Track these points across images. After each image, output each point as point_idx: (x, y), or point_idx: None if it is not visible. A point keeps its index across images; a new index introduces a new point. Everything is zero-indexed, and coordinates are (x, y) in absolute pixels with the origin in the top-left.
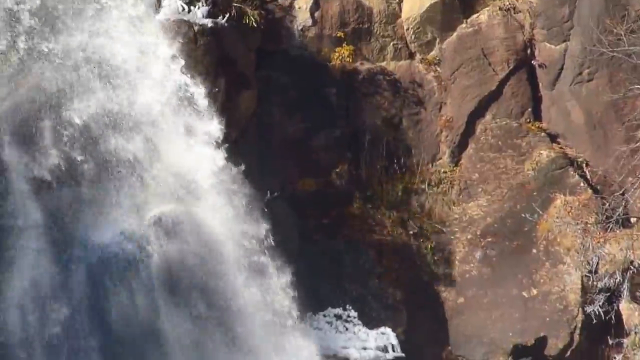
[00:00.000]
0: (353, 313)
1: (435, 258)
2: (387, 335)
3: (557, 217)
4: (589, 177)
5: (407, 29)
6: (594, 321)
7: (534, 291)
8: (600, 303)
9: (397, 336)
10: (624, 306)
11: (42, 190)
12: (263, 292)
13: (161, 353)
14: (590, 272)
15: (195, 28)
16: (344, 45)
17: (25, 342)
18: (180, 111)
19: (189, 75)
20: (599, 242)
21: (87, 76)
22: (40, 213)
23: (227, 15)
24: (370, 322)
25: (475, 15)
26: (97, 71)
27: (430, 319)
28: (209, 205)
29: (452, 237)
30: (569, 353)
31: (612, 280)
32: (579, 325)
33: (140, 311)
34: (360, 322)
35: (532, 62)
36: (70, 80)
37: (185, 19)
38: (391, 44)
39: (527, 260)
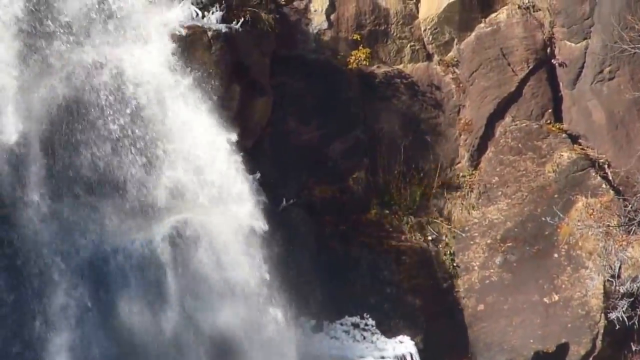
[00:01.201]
0: (371, 321)
1: (455, 264)
2: (406, 344)
3: (578, 220)
4: (610, 178)
5: (425, 30)
6: (617, 327)
7: (556, 297)
8: (624, 308)
9: (416, 345)
10: None
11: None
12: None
13: None
14: (612, 276)
15: (209, 33)
16: (360, 47)
17: None
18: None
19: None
20: (621, 245)
21: None
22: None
23: (241, 20)
24: (389, 331)
25: (493, 15)
26: None
27: (450, 326)
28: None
29: (472, 242)
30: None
31: (635, 285)
32: (601, 331)
33: (155, 321)
34: (378, 331)
35: (552, 61)
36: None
37: (199, 24)
38: (408, 45)
39: (548, 265)
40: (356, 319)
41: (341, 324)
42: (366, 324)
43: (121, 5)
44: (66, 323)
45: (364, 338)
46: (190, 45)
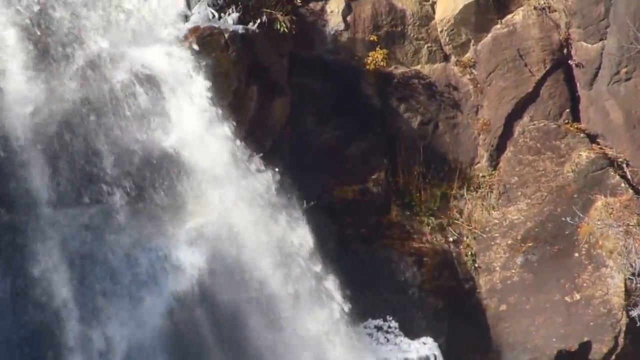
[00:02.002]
0: (394, 324)
1: (476, 265)
2: (429, 345)
3: (598, 220)
4: (629, 177)
5: (441, 31)
6: (638, 324)
7: (577, 296)
8: None
9: (440, 346)
10: None
11: None
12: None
13: None
14: (633, 274)
15: (226, 35)
16: (377, 49)
17: None
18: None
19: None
20: None
21: None
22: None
23: (257, 22)
24: (412, 332)
25: (509, 16)
26: None
27: (473, 327)
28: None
29: (493, 243)
30: (613, 357)
31: None
32: (623, 329)
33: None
34: (401, 333)
35: (569, 61)
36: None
37: (216, 26)
38: (425, 46)
39: (569, 264)
40: (379, 322)
41: (364, 327)
42: (389, 326)
43: (138, 5)
44: None
45: (388, 340)
46: (207, 46)
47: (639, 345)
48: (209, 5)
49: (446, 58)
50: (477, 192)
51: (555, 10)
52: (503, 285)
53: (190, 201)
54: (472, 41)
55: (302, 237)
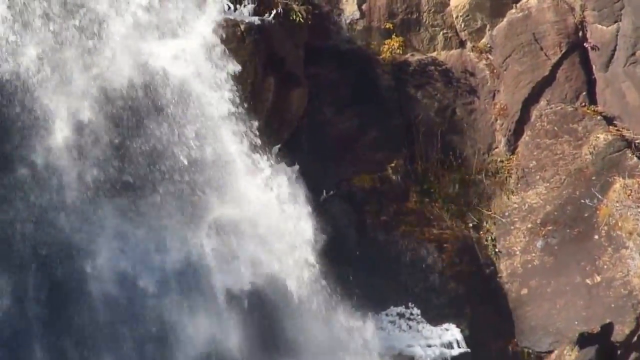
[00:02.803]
0: (416, 310)
1: (497, 249)
2: (452, 331)
3: (617, 201)
4: None
5: (457, 17)
6: None
7: (598, 278)
8: None
9: (462, 331)
10: None
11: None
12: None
13: None
14: None
15: (242, 26)
16: (393, 36)
17: None
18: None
19: None
20: None
21: None
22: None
23: (273, 12)
24: (434, 319)
25: (524, 0)
26: None
27: (494, 312)
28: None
29: (512, 227)
30: (635, 338)
31: None
32: None
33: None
34: (423, 320)
35: (585, 44)
36: None
37: (232, 17)
38: (441, 33)
39: (589, 246)
40: (401, 309)
41: (386, 315)
42: (411, 313)
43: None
44: None
45: (410, 327)
46: (223, 38)
47: None
48: None
49: (462, 44)
50: (495, 177)
51: None
52: (524, 269)
53: None
54: (488, 26)
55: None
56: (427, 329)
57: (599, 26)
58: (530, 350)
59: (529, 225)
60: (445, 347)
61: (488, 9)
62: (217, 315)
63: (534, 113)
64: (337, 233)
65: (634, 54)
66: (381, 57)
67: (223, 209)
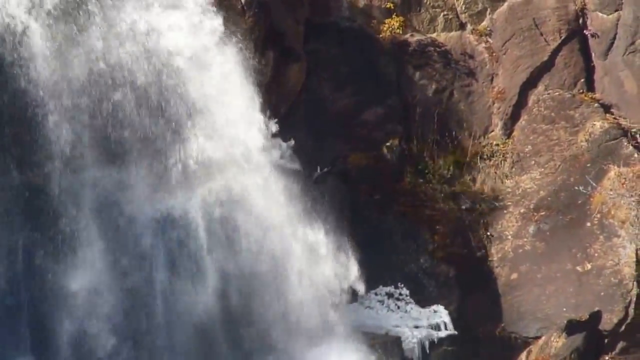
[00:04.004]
0: (405, 291)
1: (488, 233)
2: (440, 313)
3: (611, 189)
4: None
5: None
6: None
7: (588, 265)
8: None
9: (450, 314)
10: None
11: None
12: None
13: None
14: None
15: (242, 1)
16: (393, 16)
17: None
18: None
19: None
20: None
21: None
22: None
23: None
24: (423, 300)
25: None
26: None
27: (483, 295)
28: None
29: (505, 212)
30: (623, 327)
31: None
32: (634, 299)
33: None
34: (412, 300)
35: (584, 31)
36: None
37: None
38: (441, 14)
39: (581, 234)
40: (390, 289)
41: (375, 294)
42: (400, 294)
43: None
44: None
45: (398, 308)
46: (224, 11)
47: None
48: None
49: (462, 26)
50: (490, 160)
51: None
52: (515, 254)
53: None
54: (488, 10)
55: None
56: (416, 309)
57: (600, 14)
58: (518, 336)
59: (522, 210)
60: (432, 328)
61: None
62: None
63: (532, 98)
64: (331, 209)
65: (633, 43)
66: (381, 36)
67: None
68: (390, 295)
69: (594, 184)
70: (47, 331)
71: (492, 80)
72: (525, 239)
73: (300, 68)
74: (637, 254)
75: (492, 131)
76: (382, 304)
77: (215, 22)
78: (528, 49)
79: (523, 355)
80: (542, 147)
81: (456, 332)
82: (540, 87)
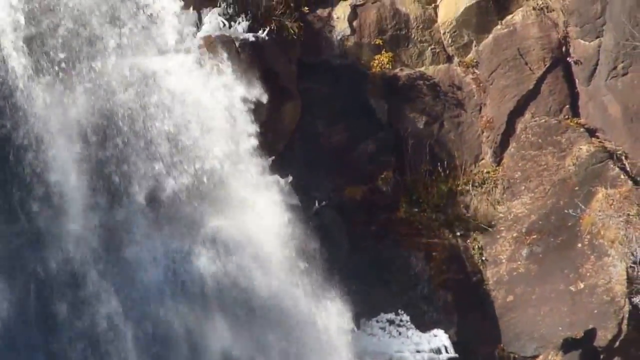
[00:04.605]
0: (405, 317)
1: (483, 258)
2: (440, 337)
3: (599, 211)
4: (628, 169)
5: (444, 33)
6: None
7: (581, 285)
8: None
9: (450, 337)
10: None
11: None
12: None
13: None
14: (634, 262)
15: (237, 43)
16: (383, 52)
17: None
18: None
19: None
20: None
21: None
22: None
23: (267, 29)
24: (423, 325)
25: (509, 16)
26: None
27: (481, 318)
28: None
29: (499, 236)
30: (617, 343)
31: None
32: (626, 315)
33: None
34: (412, 326)
35: (568, 59)
36: None
37: (227, 34)
38: (429, 48)
39: (573, 254)
40: (391, 316)
41: (377, 321)
42: (401, 320)
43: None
44: None
45: (400, 333)
46: (219, 54)
47: None
48: (219, 15)
49: (449, 59)
50: (482, 187)
51: (554, 10)
52: (509, 277)
53: None
54: (474, 42)
55: None
56: (416, 335)
57: (582, 41)
58: (516, 355)
59: (515, 234)
60: (434, 352)
61: (474, 25)
62: None
63: (519, 125)
64: (329, 242)
65: (615, 67)
66: (371, 71)
67: None
68: (391, 322)
69: (583, 206)
70: None
71: (480, 110)
72: (519, 262)
73: (294, 106)
74: (627, 271)
75: (483, 159)
76: (384, 331)
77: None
78: (514, 79)
79: None
80: (531, 172)
81: (457, 355)
82: (527, 115)
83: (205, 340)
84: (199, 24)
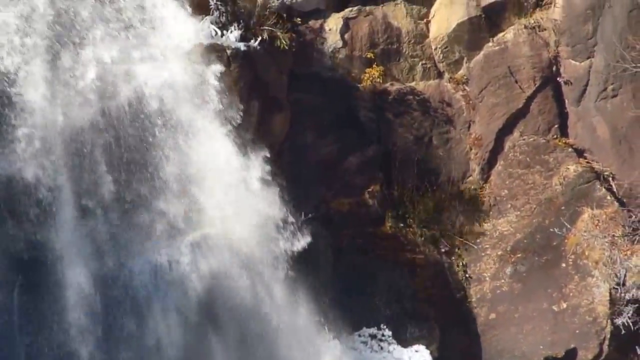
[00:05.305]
0: (387, 332)
1: (467, 275)
2: (421, 353)
3: (585, 231)
4: (615, 190)
5: (435, 49)
6: (623, 332)
7: (564, 304)
8: (629, 314)
9: (431, 353)
10: None
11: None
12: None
13: None
14: (618, 284)
15: (228, 52)
16: (374, 66)
17: None
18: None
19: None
20: (626, 254)
21: None
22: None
23: (258, 39)
24: (405, 340)
25: (501, 34)
26: None
27: (463, 335)
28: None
29: (483, 254)
30: None
31: (639, 292)
32: (608, 336)
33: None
34: (394, 341)
35: (558, 79)
36: None
37: (219, 43)
38: (420, 63)
39: (557, 274)
40: (373, 330)
41: (359, 335)
42: (383, 335)
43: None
44: None
45: (382, 348)
46: (210, 63)
47: (623, 352)
48: (212, 23)
49: (440, 75)
50: (468, 204)
51: (545, 29)
52: (493, 295)
53: None
54: (465, 58)
55: None
56: (398, 350)
57: (573, 61)
58: None
59: (499, 252)
60: None
61: (466, 41)
62: None
63: (508, 144)
64: (314, 254)
65: (605, 89)
66: (362, 85)
67: None
68: (373, 336)
69: (568, 226)
70: None
71: (469, 127)
72: (502, 280)
73: (284, 117)
74: (610, 293)
75: (470, 176)
76: (366, 345)
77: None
78: (503, 97)
79: None
80: (518, 190)
81: None
82: (516, 134)
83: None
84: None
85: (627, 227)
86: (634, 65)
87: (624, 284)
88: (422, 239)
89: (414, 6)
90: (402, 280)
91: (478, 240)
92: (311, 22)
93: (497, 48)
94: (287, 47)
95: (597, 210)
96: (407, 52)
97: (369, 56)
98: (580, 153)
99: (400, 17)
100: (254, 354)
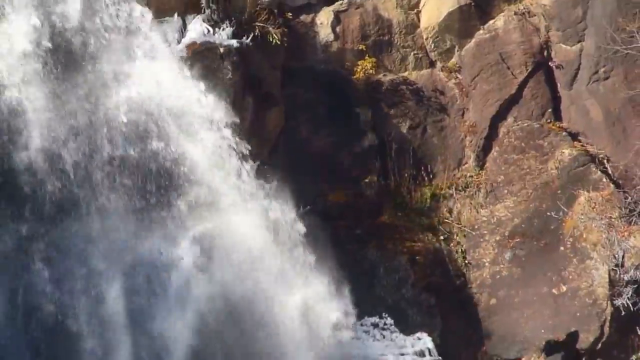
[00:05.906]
0: (389, 320)
1: (467, 261)
2: (424, 340)
3: (582, 214)
4: (610, 172)
5: (427, 39)
6: (623, 313)
7: (564, 288)
8: (629, 295)
9: (433, 340)
10: None
11: None
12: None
13: None
14: (616, 265)
15: (221, 49)
16: (366, 57)
17: None
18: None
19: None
20: (623, 235)
21: None
22: None
23: (251, 35)
24: (407, 329)
25: (491, 21)
26: None
27: (464, 321)
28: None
29: (482, 240)
30: (600, 345)
31: (638, 272)
32: (609, 318)
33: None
34: (396, 329)
35: (550, 63)
36: None
37: (211, 40)
38: (412, 54)
39: (555, 258)
40: (375, 319)
41: (361, 324)
42: (385, 323)
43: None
44: None
45: (384, 337)
46: (203, 60)
47: (624, 333)
48: (203, 21)
49: (432, 64)
50: (465, 191)
51: (535, 15)
52: (493, 280)
53: None
54: (457, 47)
55: None
56: (400, 338)
57: (563, 46)
58: (499, 358)
59: (498, 238)
60: (417, 355)
61: (457, 30)
62: None
63: (502, 130)
64: (314, 246)
65: (597, 72)
66: (355, 77)
67: None
68: (375, 325)
69: (565, 210)
70: None
71: (463, 114)
72: (502, 265)
73: (279, 112)
74: (609, 274)
75: (466, 163)
76: (368, 334)
77: None
78: (496, 83)
79: None
80: (514, 176)
81: (440, 358)
82: (510, 119)
83: None
84: (183, 30)
85: (623, 209)
86: (624, 47)
87: (622, 265)
88: (421, 227)
89: None
90: (402, 268)
91: (476, 227)
92: (302, 17)
93: (487, 35)
94: (279, 43)
95: (594, 193)
96: (398, 43)
97: (361, 48)
98: (574, 136)
99: (390, 8)
100: (254, 343)
